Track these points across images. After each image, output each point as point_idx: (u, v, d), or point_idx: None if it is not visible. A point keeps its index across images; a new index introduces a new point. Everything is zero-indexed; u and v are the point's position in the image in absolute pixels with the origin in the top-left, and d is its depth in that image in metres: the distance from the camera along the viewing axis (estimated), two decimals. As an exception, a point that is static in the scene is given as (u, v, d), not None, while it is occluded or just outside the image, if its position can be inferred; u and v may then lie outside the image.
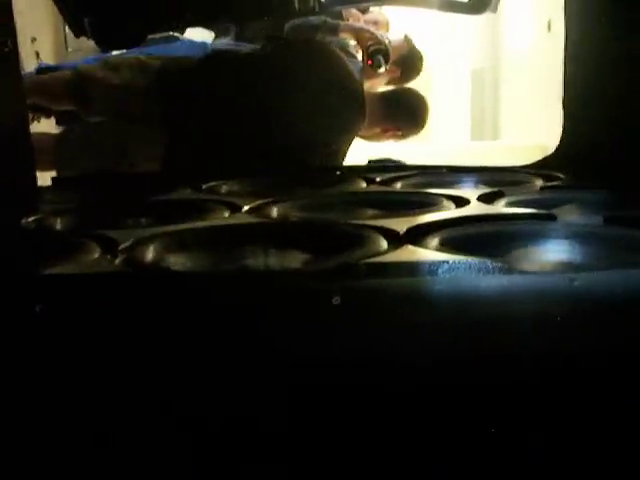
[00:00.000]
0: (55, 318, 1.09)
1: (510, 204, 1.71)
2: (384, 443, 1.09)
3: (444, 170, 2.28)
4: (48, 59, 4.37)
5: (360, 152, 3.56)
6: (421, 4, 3.66)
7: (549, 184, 2.00)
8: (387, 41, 3.71)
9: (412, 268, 1.18)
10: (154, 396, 1.09)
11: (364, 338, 1.08)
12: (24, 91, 2.05)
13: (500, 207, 1.68)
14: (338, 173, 2.40)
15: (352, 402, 1.08)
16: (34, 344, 1.08)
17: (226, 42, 3.85)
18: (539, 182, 2.03)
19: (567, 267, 1.31)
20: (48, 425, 1.08)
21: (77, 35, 3.78)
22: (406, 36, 3.84)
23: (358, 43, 3.81)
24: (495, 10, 3.24)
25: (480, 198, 1.75)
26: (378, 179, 2.17)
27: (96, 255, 1.34)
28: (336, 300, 1.06)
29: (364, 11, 4.06)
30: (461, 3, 3.32)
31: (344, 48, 3.78)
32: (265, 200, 1.81)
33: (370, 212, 1.77)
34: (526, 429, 1.09)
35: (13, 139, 1.86)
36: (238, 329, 1.08)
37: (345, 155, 3.32)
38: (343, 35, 3.67)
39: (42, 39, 4.03)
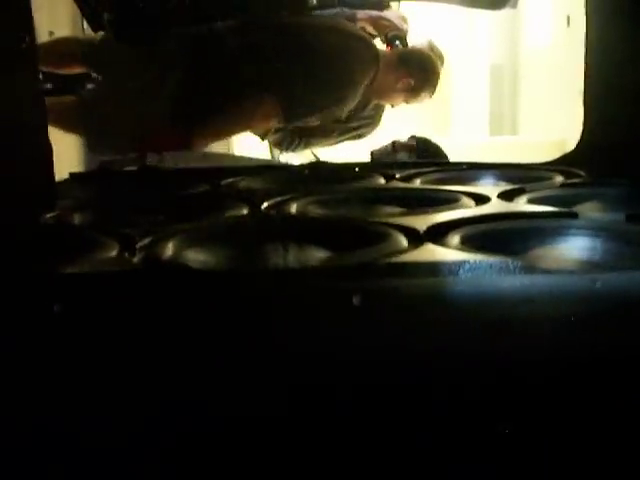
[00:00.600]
0: (74, 317, 1.08)
1: (531, 201, 1.70)
2: (402, 442, 1.09)
3: (464, 167, 2.27)
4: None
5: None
6: (442, 0, 3.65)
7: (570, 181, 1.98)
8: (406, 29, 3.73)
9: (433, 268, 1.17)
10: (174, 394, 1.08)
11: (384, 338, 1.07)
12: (42, 86, 2.05)
13: (521, 204, 1.67)
14: (357, 169, 2.39)
15: (371, 402, 1.07)
16: (53, 344, 1.07)
17: None
18: (559, 179, 2.01)
19: (589, 267, 1.30)
20: (66, 423, 1.08)
21: (95, 30, 3.78)
22: (430, 42, 3.85)
23: (376, 31, 3.83)
24: (515, 6, 3.22)
25: (500, 195, 1.74)
26: (397, 175, 2.16)
27: (114, 253, 1.33)
28: (356, 300, 1.05)
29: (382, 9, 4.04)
30: (481, -1, 3.31)
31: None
32: (284, 197, 1.80)
33: (390, 209, 1.77)
34: (546, 430, 1.08)
35: (31, 135, 1.86)
36: (257, 327, 1.08)
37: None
38: (361, 24, 3.67)
39: (60, 34, 4.02)
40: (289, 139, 3.57)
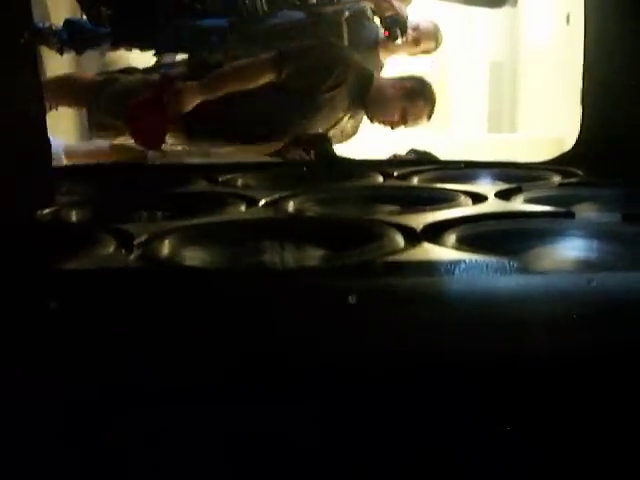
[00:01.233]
0: (70, 314, 1.08)
1: (528, 201, 1.70)
2: (397, 440, 1.09)
3: (462, 165, 2.27)
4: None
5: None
6: (442, -3, 3.66)
7: (567, 180, 1.98)
8: (405, 14, 3.77)
9: (429, 267, 1.17)
10: (170, 391, 1.08)
11: (379, 337, 1.08)
12: (40, 82, 2.05)
13: (518, 204, 1.67)
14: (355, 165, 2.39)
15: (366, 400, 1.08)
16: (48, 340, 1.07)
17: None
18: (557, 178, 2.01)
19: (585, 266, 1.30)
20: (62, 420, 1.08)
21: (95, 21, 3.80)
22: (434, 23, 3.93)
23: (376, 10, 3.86)
24: (515, 4, 3.23)
25: (498, 194, 1.74)
26: (395, 173, 2.16)
27: (111, 249, 1.33)
28: (352, 298, 1.05)
29: None
30: (482, -3, 3.31)
31: (364, 13, 3.84)
32: (281, 194, 1.80)
33: (387, 207, 1.77)
34: (542, 428, 1.08)
35: (30, 130, 1.86)
36: (253, 325, 1.08)
37: None
38: (364, 2, 3.72)
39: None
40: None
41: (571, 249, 1.37)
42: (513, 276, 1.12)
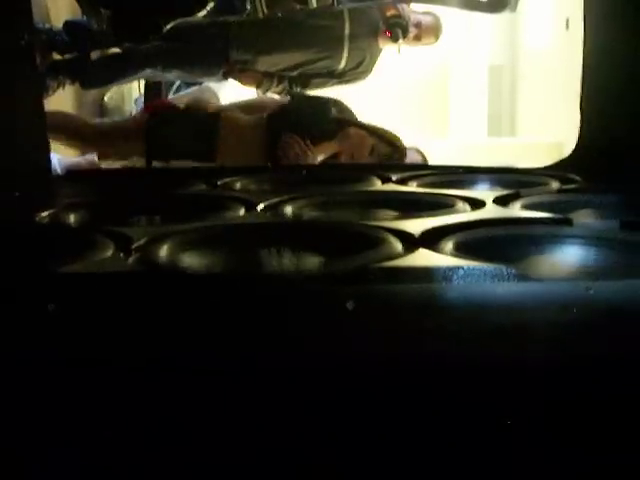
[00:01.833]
0: (68, 317, 1.08)
1: (526, 207, 1.70)
2: (393, 448, 1.09)
3: (460, 170, 2.27)
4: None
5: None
6: (441, 2, 3.66)
7: (565, 187, 1.98)
8: (408, 15, 3.81)
9: (427, 274, 1.17)
10: (167, 398, 1.08)
11: (377, 343, 1.08)
12: (40, 84, 2.05)
13: (516, 210, 1.67)
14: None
15: (364, 407, 1.08)
16: (46, 344, 1.07)
17: None
18: (555, 184, 2.01)
19: (583, 274, 1.30)
20: (60, 424, 1.08)
21: (95, 20, 3.80)
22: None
23: (379, 10, 3.90)
24: (514, 9, 3.22)
25: (496, 200, 1.74)
26: (394, 178, 2.16)
27: (110, 253, 1.33)
28: (350, 305, 1.05)
29: None
30: (481, 2, 3.30)
31: (365, 10, 3.89)
32: (279, 198, 1.80)
33: (385, 212, 1.77)
34: (540, 437, 1.08)
35: (29, 132, 1.86)
36: (250, 331, 1.08)
37: None
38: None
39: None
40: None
41: (569, 256, 1.37)
42: (511, 283, 1.12)
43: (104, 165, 3.40)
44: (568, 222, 1.52)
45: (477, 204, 1.70)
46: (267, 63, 4.07)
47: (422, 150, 3.98)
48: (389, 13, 3.98)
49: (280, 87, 4.08)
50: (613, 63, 2.16)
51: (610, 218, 1.61)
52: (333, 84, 4.21)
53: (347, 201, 1.85)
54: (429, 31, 4.19)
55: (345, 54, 4.01)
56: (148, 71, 4.16)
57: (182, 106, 3.75)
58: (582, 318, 1.08)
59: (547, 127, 7.39)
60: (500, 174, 2.20)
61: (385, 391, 1.07)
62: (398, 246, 1.31)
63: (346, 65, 4.08)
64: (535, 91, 8.15)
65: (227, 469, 1.09)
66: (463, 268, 1.14)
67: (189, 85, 4.72)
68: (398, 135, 3.57)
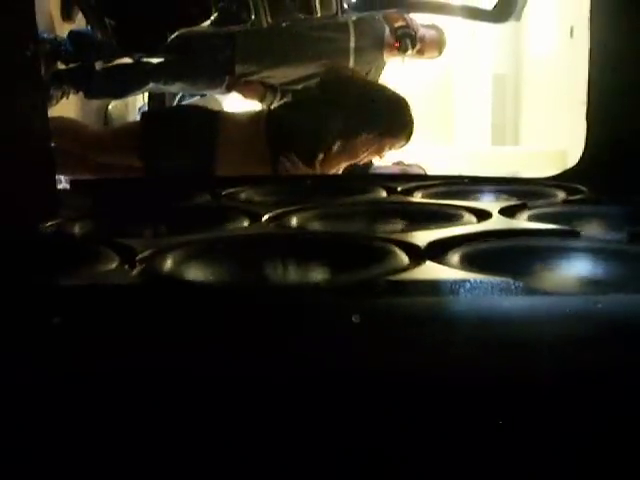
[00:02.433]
0: (72, 330, 1.08)
1: (532, 218, 1.69)
2: (396, 463, 1.08)
3: (466, 180, 2.26)
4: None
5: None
6: (445, 12, 3.66)
7: (572, 197, 1.97)
8: (416, 26, 3.83)
9: (433, 287, 1.16)
10: (174, 409, 1.07)
11: (383, 357, 1.07)
12: (45, 95, 2.05)
13: (522, 221, 1.66)
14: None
15: (369, 420, 1.07)
16: (51, 357, 1.07)
17: None
18: (562, 195, 2.00)
19: (591, 288, 1.29)
20: (65, 437, 1.08)
21: (100, 31, 3.81)
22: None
23: (386, 22, 3.91)
24: (519, 18, 3.22)
25: (502, 211, 1.73)
26: (399, 188, 2.16)
27: (114, 265, 1.33)
28: (356, 318, 1.05)
29: None
30: (485, 11, 3.30)
31: (373, 17, 3.90)
32: (285, 209, 1.80)
33: (391, 223, 1.76)
34: (546, 451, 1.07)
35: (34, 143, 1.86)
36: (255, 344, 1.07)
37: None
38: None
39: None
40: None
41: (577, 269, 1.37)
42: (518, 297, 1.11)
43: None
44: (575, 234, 1.51)
45: (483, 215, 1.69)
46: (272, 76, 4.07)
47: (423, 167, 3.99)
48: (397, 24, 3.99)
49: (283, 101, 4.08)
50: (619, 72, 2.16)
51: (618, 230, 1.60)
52: None
53: (352, 212, 1.84)
54: (432, 45, 4.20)
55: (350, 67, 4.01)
56: (151, 85, 4.17)
57: None
58: (591, 332, 1.07)
59: (551, 136, 7.39)
60: (505, 184, 2.19)
61: (391, 405, 1.06)
62: (404, 259, 1.31)
63: None
64: (539, 100, 8.15)
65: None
66: (470, 281, 1.13)
67: (193, 95, 4.74)
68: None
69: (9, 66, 1.78)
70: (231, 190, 2.15)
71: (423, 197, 2.08)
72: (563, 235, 1.51)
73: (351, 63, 4.02)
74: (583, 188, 2.06)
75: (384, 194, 2.12)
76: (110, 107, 5.13)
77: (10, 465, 1.06)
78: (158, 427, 1.08)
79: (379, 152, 3.38)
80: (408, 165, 4.07)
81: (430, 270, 1.25)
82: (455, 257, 1.32)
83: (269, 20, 3.58)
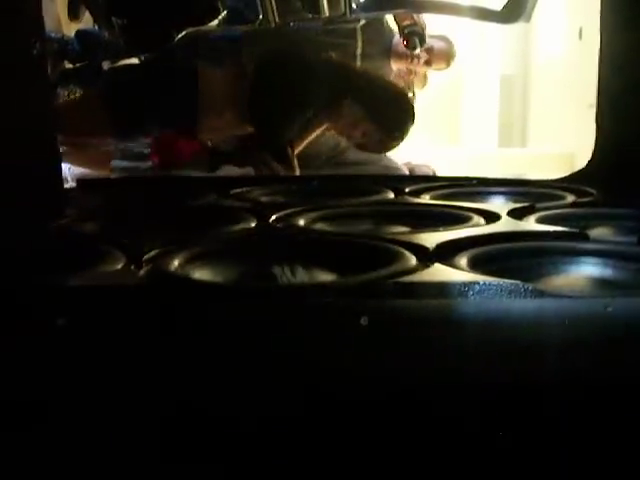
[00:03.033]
0: (77, 331, 1.07)
1: (541, 220, 1.68)
2: (406, 466, 1.07)
3: (474, 182, 2.25)
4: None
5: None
6: (454, 12, 3.65)
7: (581, 200, 1.96)
8: (424, 23, 3.82)
9: (442, 289, 1.15)
10: (178, 412, 1.07)
11: (391, 359, 1.06)
12: (50, 94, 2.05)
13: (531, 223, 1.66)
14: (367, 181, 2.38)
15: (375, 423, 1.06)
16: (55, 358, 1.06)
17: None
18: (571, 197, 2.00)
19: (601, 291, 1.28)
20: (70, 439, 1.07)
21: (106, 29, 3.81)
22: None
23: (395, 20, 3.90)
24: (529, 20, 3.20)
25: (510, 213, 1.72)
26: (407, 190, 2.15)
27: (120, 265, 1.32)
28: (364, 320, 1.04)
29: None
30: (494, 12, 3.29)
31: (379, 20, 3.88)
32: (292, 210, 1.80)
33: (399, 225, 1.75)
34: (554, 455, 1.06)
35: (39, 143, 1.86)
36: (263, 345, 1.07)
37: None
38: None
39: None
40: None
41: (586, 272, 1.36)
42: (527, 299, 1.11)
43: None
44: (584, 236, 1.51)
45: (492, 217, 1.69)
46: None
47: (432, 167, 3.97)
48: (405, 22, 3.99)
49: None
50: (629, 75, 2.15)
51: (627, 232, 1.60)
52: None
53: (360, 213, 1.84)
54: (441, 56, 4.21)
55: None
56: None
57: None
58: (600, 336, 1.06)
59: (558, 138, 7.38)
60: (514, 186, 2.18)
61: (400, 407, 1.06)
62: (412, 260, 1.30)
63: None
64: (547, 101, 8.14)
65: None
66: (479, 283, 1.13)
67: None
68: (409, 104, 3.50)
69: (16, 65, 1.78)
70: (238, 190, 2.15)
71: (431, 198, 2.07)
72: (572, 237, 1.50)
73: None
74: (592, 190, 2.05)
75: (392, 195, 2.11)
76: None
77: (11, 465, 1.05)
78: (164, 428, 1.07)
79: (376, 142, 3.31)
80: (417, 165, 4.07)
81: (439, 272, 1.25)
82: (464, 259, 1.31)
83: (277, 20, 3.56)
